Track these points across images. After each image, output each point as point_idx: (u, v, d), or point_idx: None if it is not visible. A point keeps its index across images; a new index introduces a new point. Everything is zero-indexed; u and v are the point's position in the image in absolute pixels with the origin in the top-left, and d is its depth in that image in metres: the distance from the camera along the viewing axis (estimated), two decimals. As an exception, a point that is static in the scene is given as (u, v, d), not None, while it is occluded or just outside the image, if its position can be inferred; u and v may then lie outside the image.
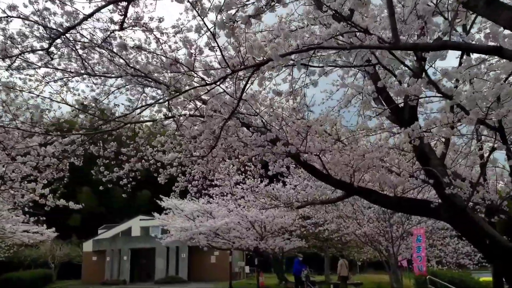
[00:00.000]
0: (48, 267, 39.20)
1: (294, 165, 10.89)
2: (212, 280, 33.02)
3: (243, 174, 15.33)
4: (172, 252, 34.42)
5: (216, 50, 4.79)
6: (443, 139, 7.43)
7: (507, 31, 4.14)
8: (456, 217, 6.49)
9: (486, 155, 8.02)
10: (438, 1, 4.90)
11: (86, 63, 7.27)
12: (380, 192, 8.13)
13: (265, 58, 4.38)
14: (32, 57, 6.74)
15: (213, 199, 22.84)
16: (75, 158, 8.88)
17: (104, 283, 33.96)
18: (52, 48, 6.39)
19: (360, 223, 18.24)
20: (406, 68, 5.81)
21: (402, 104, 7.52)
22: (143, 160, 9.16)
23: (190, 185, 11.93)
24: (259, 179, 14.99)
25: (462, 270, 21.56)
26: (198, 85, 6.01)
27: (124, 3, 5.78)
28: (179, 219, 23.60)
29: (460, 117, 5.20)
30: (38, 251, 38.30)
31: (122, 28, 6.24)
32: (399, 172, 7.82)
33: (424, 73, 5.23)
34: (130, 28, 6.45)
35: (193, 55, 5.27)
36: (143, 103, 7.97)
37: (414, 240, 16.66)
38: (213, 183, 22.17)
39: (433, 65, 5.68)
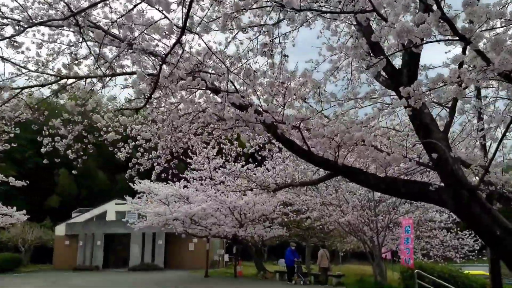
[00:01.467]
0: (18, 251, 37.53)
1: (274, 145, 9.60)
2: (190, 268, 31.80)
3: (223, 157, 14.10)
4: (149, 238, 33.05)
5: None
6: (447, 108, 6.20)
7: None
8: (463, 203, 5.27)
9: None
10: None
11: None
12: (370, 172, 6.87)
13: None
14: None
15: (190, 183, 21.59)
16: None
17: (76, 268, 32.49)
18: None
19: (344, 211, 17.11)
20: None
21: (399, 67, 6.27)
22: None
23: (156, 164, 10.70)
24: (237, 160, 13.66)
25: (447, 263, 20.70)
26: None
27: None
28: (153, 204, 22.28)
29: (480, 68, 3.94)
30: (7, 234, 36.56)
31: None
32: (390, 152, 6.60)
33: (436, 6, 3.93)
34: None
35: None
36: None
37: (403, 231, 15.61)
38: (189, 166, 20.88)
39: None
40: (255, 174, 10.86)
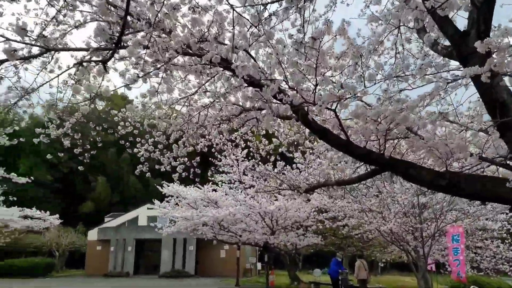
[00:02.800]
0: (53, 256, 37.67)
1: (306, 138, 8.36)
2: (221, 275, 30.80)
3: (252, 157, 12.98)
4: (179, 244, 32.30)
5: None
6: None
7: None
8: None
9: None
10: None
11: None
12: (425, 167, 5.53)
13: None
14: None
15: (219, 186, 20.59)
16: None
17: (106, 274, 32.08)
18: None
19: (385, 218, 15.57)
20: None
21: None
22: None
23: (175, 162, 9.73)
24: (266, 160, 12.43)
25: (499, 276, 18.67)
26: None
27: None
28: (182, 208, 21.36)
29: None
30: (41, 238, 36.76)
31: None
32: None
33: None
34: None
35: None
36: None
37: (449, 241, 13.94)
38: (218, 168, 19.83)
39: None
40: (284, 174, 9.64)
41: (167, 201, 21.20)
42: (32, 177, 19.77)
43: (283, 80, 4.90)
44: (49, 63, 4.94)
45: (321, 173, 7.18)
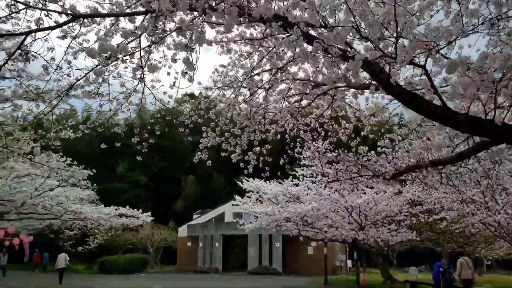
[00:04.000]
0: (147, 252, 39.32)
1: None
2: (310, 273, 29.74)
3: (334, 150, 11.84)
4: (265, 240, 31.81)
5: None
6: None
7: None
8: None
9: None
10: None
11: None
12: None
13: None
14: None
15: (300, 180, 19.58)
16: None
17: (196, 270, 32.61)
18: None
19: (492, 209, 13.48)
20: None
21: None
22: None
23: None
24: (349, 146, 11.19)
25: None
26: None
27: None
28: (265, 203, 20.71)
29: None
30: (137, 235, 38.53)
31: None
32: None
33: None
34: None
35: None
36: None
37: None
38: (301, 162, 18.85)
39: None
40: (368, 160, 8.40)
41: (248, 197, 20.69)
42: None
43: (353, 26, 3.80)
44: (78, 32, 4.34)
45: (411, 154, 5.91)
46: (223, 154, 8.88)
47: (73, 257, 32.48)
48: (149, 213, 34.98)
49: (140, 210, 34.47)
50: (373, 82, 5.39)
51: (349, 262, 32.80)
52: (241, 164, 9.13)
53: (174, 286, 21.40)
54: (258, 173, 12.17)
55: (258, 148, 9.24)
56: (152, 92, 6.55)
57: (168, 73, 5.45)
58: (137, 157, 8.10)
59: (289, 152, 16.36)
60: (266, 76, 7.10)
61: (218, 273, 31.76)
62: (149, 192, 53.80)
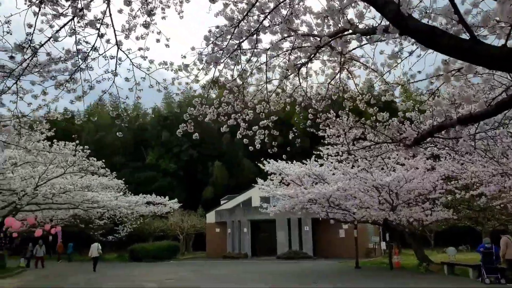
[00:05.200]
0: (178, 239, 39.22)
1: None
2: (342, 256, 28.73)
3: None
4: (294, 224, 30.91)
5: None
6: None
7: None
8: None
9: None
10: None
11: None
12: None
13: None
14: None
15: (325, 160, 18.45)
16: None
17: (225, 256, 32.14)
18: None
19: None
20: None
21: None
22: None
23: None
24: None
25: None
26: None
27: None
28: (290, 185, 19.75)
29: None
30: (166, 222, 38.43)
31: None
32: None
33: None
34: None
35: None
36: None
37: None
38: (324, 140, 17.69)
39: None
40: (388, 125, 7.25)
41: (271, 179, 19.75)
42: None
43: None
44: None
45: (436, 112, 4.78)
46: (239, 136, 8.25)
47: (105, 246, 32.61)
48: (176, 200, 34.79)
49: (167, 197, 34.34)
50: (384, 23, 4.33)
51: (383, 244, 31.53)
52: (244, 140, 8.24)
53: (199, 271, 20.84)
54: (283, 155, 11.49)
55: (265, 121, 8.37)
56: (128, 56, 5.70)
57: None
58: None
59: (312, 130, 14.96)
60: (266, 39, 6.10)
61: (247, 259, 31.17)
62: (179, 179, 53.77)
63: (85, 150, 17.04)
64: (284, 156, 12.39)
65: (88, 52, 5.25)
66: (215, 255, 34.09)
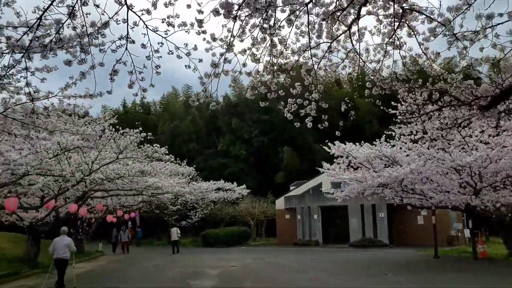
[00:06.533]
0: (248, 225, 39.14)
1: None
2: (420, 245, 26.76)
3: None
4: (368, 211, 29.28)
5: None
6: None
7: None
8: None
9: None
10: None
11: None
12: None
13: None
14: None
15: (397, 140, 16.88)
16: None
17: (296, 243, 31.33)
18: None
19: None
20: None
21: None
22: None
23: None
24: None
25: None
26: None
27: None
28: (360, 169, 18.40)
29: None
30: (237, 208, 38.47)
31: None
32: None
33: None
34: None
35: None
36: None
37: None
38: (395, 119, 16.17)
39: None
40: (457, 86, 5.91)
41: (337, 163, 18.52)
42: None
43: None
44: None
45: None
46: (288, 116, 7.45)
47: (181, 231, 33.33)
48: (244, 186, 34.63)
49: (235, 183, 34.28)
50: None
51: (467, 232, 28.91)
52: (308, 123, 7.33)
53: (264, 259, 20.28)
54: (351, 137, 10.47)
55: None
56: (141, 19, 5.03)
57: None
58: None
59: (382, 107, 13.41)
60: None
61: (319, 246, 30.15)
62: (250, 165, 53.76)
63: (148, 137, 17.02)
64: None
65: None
66: (285, 242, 33.44)
